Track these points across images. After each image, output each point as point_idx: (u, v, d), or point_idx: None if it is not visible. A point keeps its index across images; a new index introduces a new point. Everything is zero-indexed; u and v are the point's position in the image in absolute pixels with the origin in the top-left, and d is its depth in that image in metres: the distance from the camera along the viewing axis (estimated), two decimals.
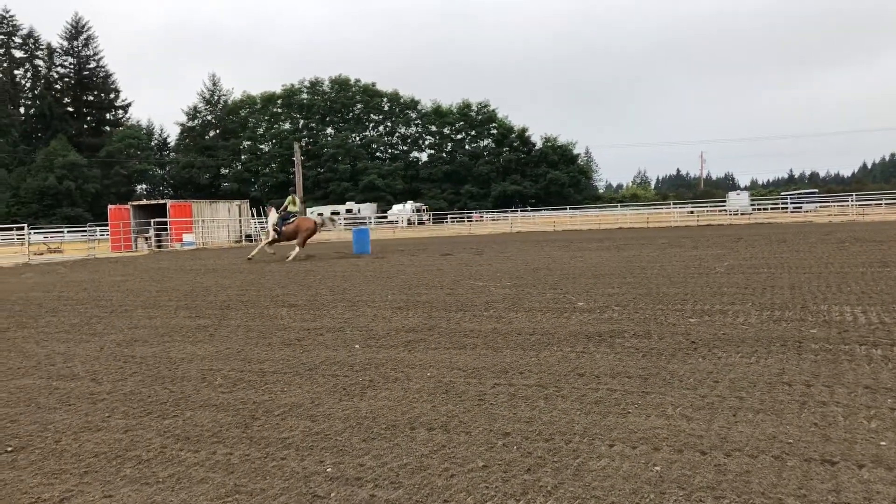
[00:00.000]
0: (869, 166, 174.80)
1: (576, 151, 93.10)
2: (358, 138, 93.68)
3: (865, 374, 4.99)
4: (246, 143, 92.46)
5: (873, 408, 4.21)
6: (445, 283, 12.32)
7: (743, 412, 4.25)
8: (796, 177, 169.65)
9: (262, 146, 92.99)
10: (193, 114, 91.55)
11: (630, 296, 9.53)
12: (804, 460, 3.45)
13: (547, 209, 68.01)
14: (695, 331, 6.86)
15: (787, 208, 54.26)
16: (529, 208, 71.00)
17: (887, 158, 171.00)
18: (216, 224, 38.27)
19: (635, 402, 4.56)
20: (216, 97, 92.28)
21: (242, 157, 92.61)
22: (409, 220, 64.64)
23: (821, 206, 53.30)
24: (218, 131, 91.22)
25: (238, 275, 16.30)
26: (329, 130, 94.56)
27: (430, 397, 4.93)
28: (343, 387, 5.35)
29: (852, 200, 47.53)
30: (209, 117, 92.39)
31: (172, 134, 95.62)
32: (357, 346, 6.94)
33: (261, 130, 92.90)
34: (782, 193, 73.82)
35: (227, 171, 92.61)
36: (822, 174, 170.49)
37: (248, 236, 39.20)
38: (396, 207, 69.22)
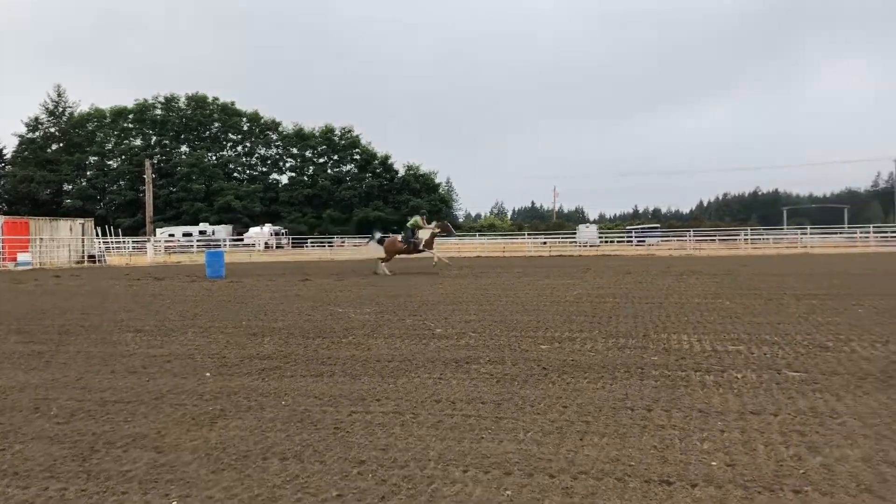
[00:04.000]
0: (705, 204, 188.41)
1: (437, 180, 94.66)
2: (214, 157, 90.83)
3: (699, 398, 5.34)
4: (93, 159, 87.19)
5: (706, 430, 4.51)
6: (303, 308, 12.13)
7: (589, 436, 4.44)
8: (640, 212, 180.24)
9: (110, 162, 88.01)
10: (35, 125, 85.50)
11: (486, 323, 9.76)
12: (644, 481, 3.64)
13: None
14: (546, 357, 7.11)
15: (631, 241, 57.52)
16: (391, 235, 71.30)
17: (721, 198, 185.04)
18: (56, 243, 35.82)
19: (489, 428, 4.65)
20: (60, 108, 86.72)
21: (88, 172, 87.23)
22: (266, 243, 63.14)
23: (662, 241, 56.85)
24: (62, 145, 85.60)
25: (79, 297, 15.31)
26: (184, 148, 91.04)
27: (284, 426, 4.82)
28: (192, 416, 5.13)
29: (690, 235, 51.08)
30: (52, 130, 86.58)
31: (10, 146, 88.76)
32: (208, 373, 6.69)
33: (109, 146, 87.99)
34: (627, 227, 78.24)
35: (70, 187, 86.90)
36: (663, 210, 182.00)
37: (92, 257, 36.94)
38: (253, 230, 67.44)
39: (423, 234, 24.59)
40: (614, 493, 3.50)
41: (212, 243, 57.21)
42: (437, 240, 25.66)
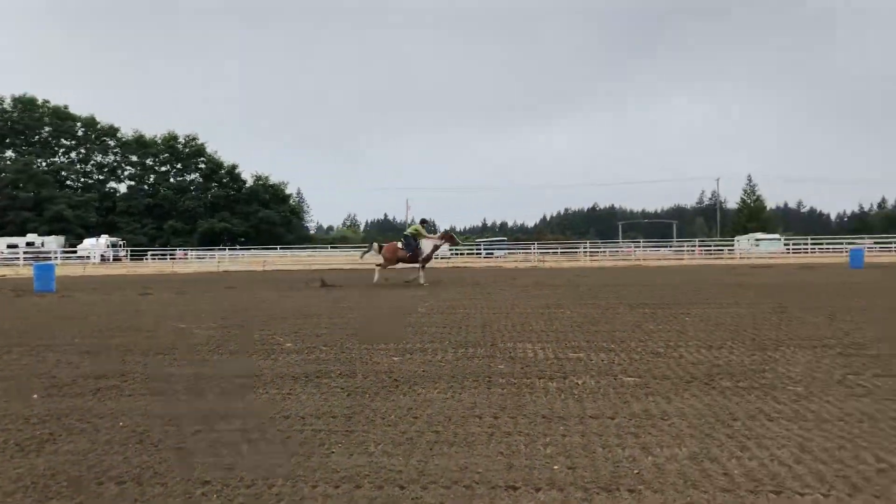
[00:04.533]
0: (548, 218, 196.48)
1: (288, 191, 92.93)
2: (45, 164, 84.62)
3: (543, 404, 5.56)
4: None
5: (549, 435, 4.70)
6: (144, 324, 11.52)
7: (439, 445, 4.50)
8: (489, 225, 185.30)
9: None
10: None
11: (337, 336, 9.68)
12: (491, 488, 3.74)
13: (257, 248, 66.73)
14: (397, 369, 7.14)
15: (480, 254, 59.01)
16: (238, 247, 69.14)
17: (562, 212, 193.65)
18: None
19: (339, 442, 4.62)
20: None
21: None
22: (102, 255, 59.47)
23: (509, 253, 58.72)
24: None
25: None
26: (9, 153, 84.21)
27: (121, 448, 4.55)
28: (16, 442, 4.74)
29: (534, 248, 53.03)
30: None
31: None
32: (35, 395, 6.20)
33: None
34: (476, 240, 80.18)
35: None
36: (510, 223, 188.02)
37: None
38: (88, 241, 63.33)
39: (427, 245, 23.30)
40: (462, 501, 3.57)
41: (41, 255, 53.14)
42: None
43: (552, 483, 3.79)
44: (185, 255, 63.17)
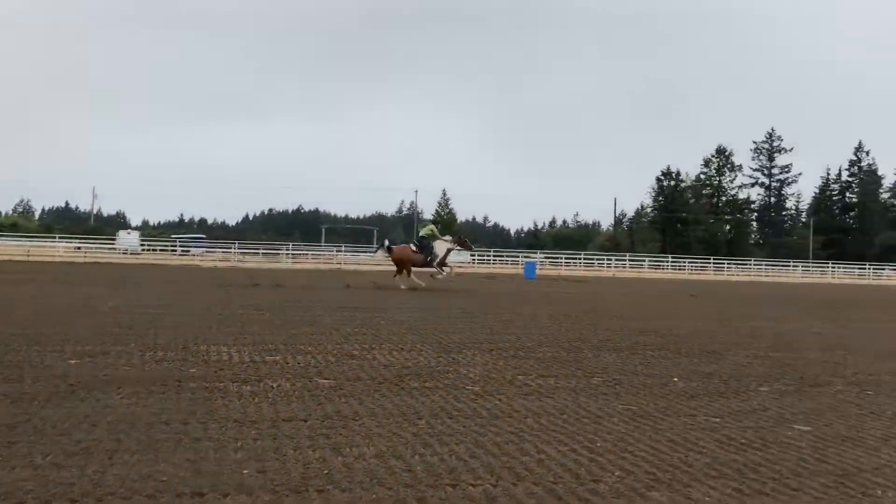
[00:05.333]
0: (251, 217, 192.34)
1: None
2: None
3: (236, 408, 5.44)
4: None
5: (240, 440, 4.61)
6: None
7: (120, 454, 4.20)
8: (187, 221, 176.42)
9: None
10: None
11: (1, 336, 8.57)
12: (176, 495, 3.58)
13: None
14: (74, 373, 6.52)
15: (176, 251, 55.97)
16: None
17: (266, 212, 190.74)
18: None
19: None
20: None
21: None
22: None
23: (207, 251, 56.42)
24: None
25: None
26: None
27: None
28: None
29: (235, 248, 51.63)
30: None
31: None
32: None
33: None
34: (172, 236, 75.93)
35: None
36: (210, 221, 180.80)
37: None
38: None
39: (441, 248, 22.34)
40: None
41: None
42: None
43: (241, 488, 3.73)
44: None
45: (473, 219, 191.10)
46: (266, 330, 10.17)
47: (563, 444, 4.75)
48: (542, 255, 64.09)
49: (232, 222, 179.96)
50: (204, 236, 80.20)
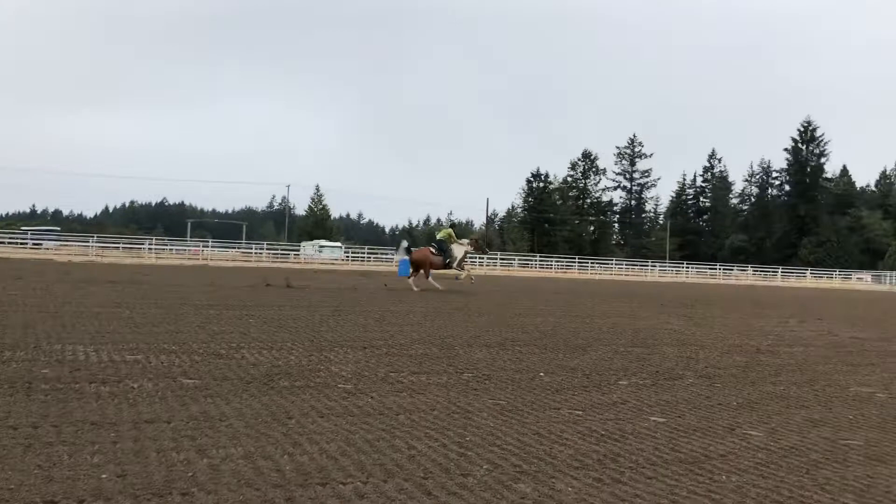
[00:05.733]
0: (111, 210, 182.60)
1: None
2: None
3: (93, 410, 5.17)
4: None
5: (97, 443, 4.38)
6: None
7: None
8: (39, 212, 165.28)
9: None
10: None
11: None
12: None
13: None
14: None
15: (26, 243, 52.30)
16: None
17: (127, 205, 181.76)
18: None
19: None
20: None
21: None
22: None
23: (62, 245, 53.08)
24: None
25: None
26: None
27: None
28: None
29: (93, 241, 48.86)
30: None
31: None
32: None
33: None
34: (22, 228, 70.87)
35: None
36: (66, 212, 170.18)
37: None
38: None
39: (458, 251, 22.67)
40: None
41: None
42: None
43: (98, 493, 3.55)
44: None
45: (348, 215, 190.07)
46: (126, 328, 9.70)
47: (433, 440, 4.82)
48: None
49: (90, 214, 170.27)
50: (58, 228, 75.35)
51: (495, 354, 8.96)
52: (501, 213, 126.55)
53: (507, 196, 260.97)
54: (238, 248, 62.78)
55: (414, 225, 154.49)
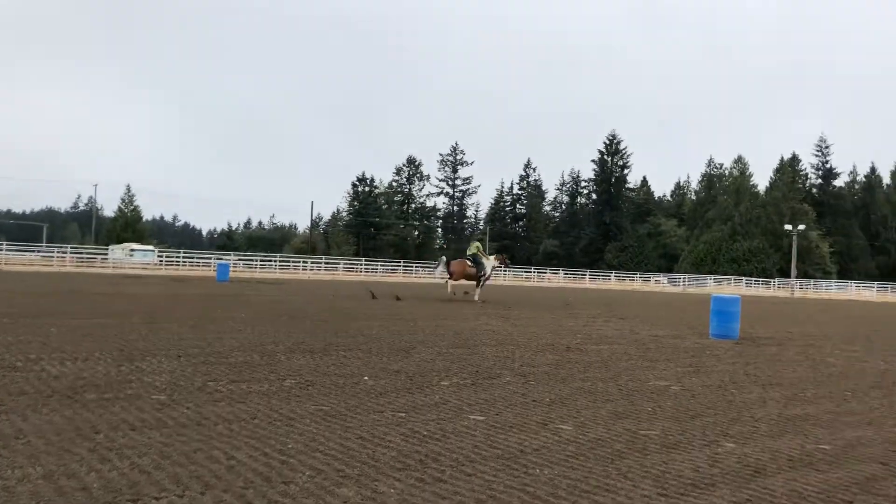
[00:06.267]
0: None
1: None
2: None
3: None
4: None
5: None
6: None
7: None
8: None
9: None
10: None
11: None
12: None
13: None
14: None
15: None
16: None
17: None
18: None
19: None
20: None
21: None
22: None
23: None
24: None
25: None
26: None
27: None
28: None
29: None
30: None
31: None
32: None
33: None
34: None
35: None
36: None
37: None
38: None
39: (488, 265, 24.89)
40: None
41: None
42: None
43: None
44: None
45: (161, 217, 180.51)
46: None
47: (254, 449, 4.71)
48: (237, 257, 62.45)
49: None
50: None
51: (319, 360, 8.88)
52: (327, 216, 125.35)
53: (333, 200, 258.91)
54: (38, 251, 57.69)
55: (234, 228, 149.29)
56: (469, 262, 24.61)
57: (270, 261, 60.87)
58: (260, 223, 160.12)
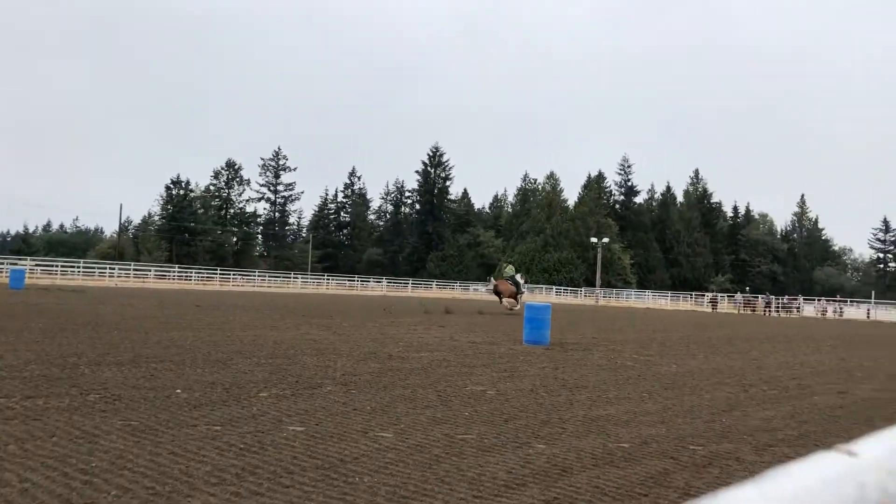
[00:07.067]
0: None
1: None
2: None
3: None
4: None
5: None
6: None
7: None
8: None
9: None
10: None
11: None
12: None
13: None
14: None
15: None
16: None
17: None
18: None
19: None
20: None
21: None
22: None
23: None
24: None
25: None
26: None
27: None
28: None
29: None
30: None
31: None
32: None
33: None
34: None
35: None
36: None
37: None
38: None
39: (522, 282, 31.03)
40: None
41: None
42: None
43: None
44: None
45: None
46: None
47: (52, 469, 4.38)
48: (34, 263, 57.35)
49: None
50: None
51: (127, 372, 8.38)
52: (137, 220, 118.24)
53: (144, 203, 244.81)
54: None
55: (31, 231, 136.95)
56: (510, 283, 30.52)
57: (73, 267, 56.46)
58: (62, 226, 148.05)
